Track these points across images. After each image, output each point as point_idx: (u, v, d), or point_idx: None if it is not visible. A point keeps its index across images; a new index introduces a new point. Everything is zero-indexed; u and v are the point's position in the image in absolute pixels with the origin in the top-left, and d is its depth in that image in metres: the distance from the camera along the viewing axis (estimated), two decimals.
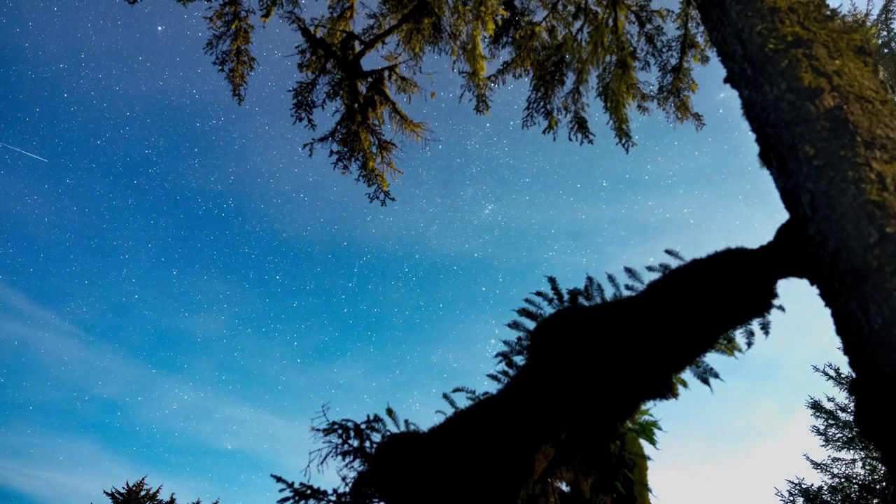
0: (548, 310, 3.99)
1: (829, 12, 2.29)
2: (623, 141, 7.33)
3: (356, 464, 3.01)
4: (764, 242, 2.37)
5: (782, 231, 2.25)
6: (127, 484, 17.72)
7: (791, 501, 13.43)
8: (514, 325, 4.05)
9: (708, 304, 2.45)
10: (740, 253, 2.43)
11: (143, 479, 17.88)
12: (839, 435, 13.42)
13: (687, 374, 3.38)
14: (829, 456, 13.46)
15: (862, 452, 13.02)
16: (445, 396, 3.92)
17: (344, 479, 2.96)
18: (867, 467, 12.92)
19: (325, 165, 7.30)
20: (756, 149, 2.32)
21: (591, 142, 7.41)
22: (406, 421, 3.28)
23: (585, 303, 3.84)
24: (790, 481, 13.54)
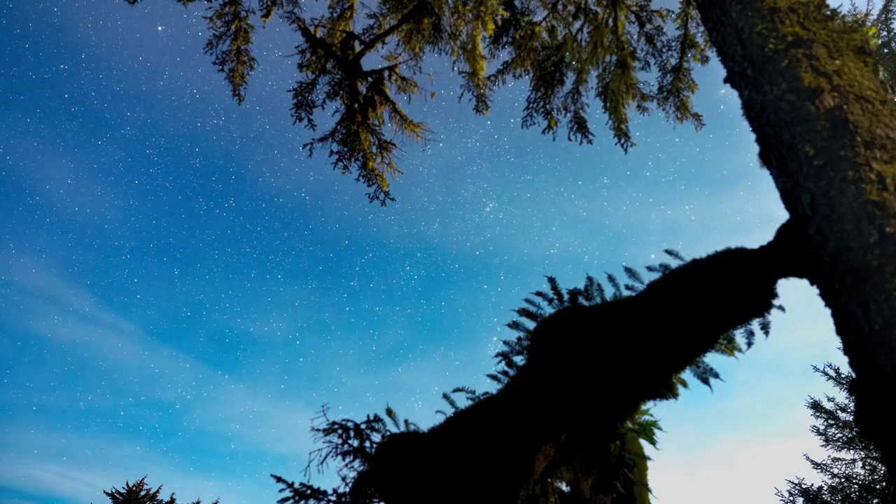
0: (548, 310, 3.99)
1: (829, 12, 2.28)
2: (622, 141, 7.33)
3: (356, 464, 3.01)
4: (764, 239, 2.37)
5: (782, 231, 2.25)
6: (127, 484, 17.72)
7: (791, 501, 13.43)
8: (514, 325, 4.05)
9: (708, 305, 2.45)
10: (740, 253, 2.43)
11: (143, 478, 17.89)
12: (839, 435, 13.42)
13: (687, 374, 3.38)
14: (829, 456, 13.46)
15: (862, 452, 13.01)
16: (445, 396, 3.92)
17: (344, 479, 2.96)
18: (867, 467, 12.91)
19: (326, 165, 7.30)
20: (756, 148, 2.32)
21: (590, 142, 7.41)
22: (406, 421, 3.28)
23: (585, 303, 3.84)
24: (790, 481, 13.54)
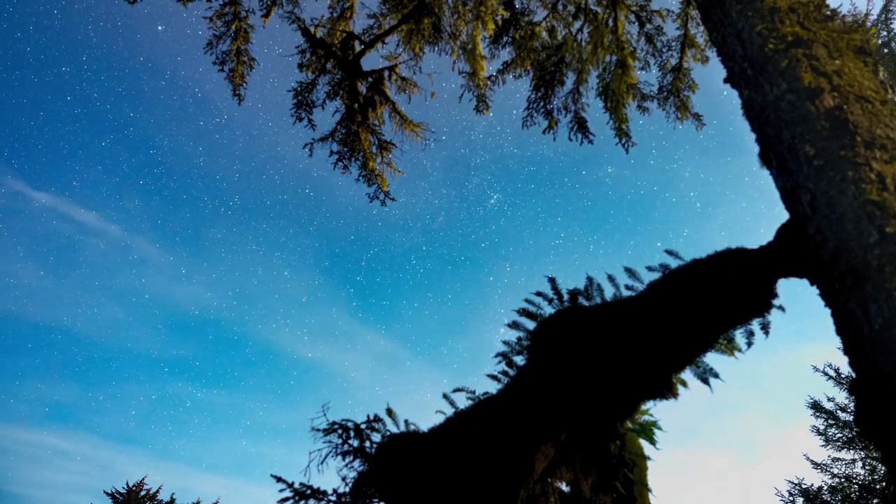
0: (548, 310, 3.99)
1: (829, 12, 2.28)
2: (623, 141, 7.33)
3: (356, 464, 3.01)
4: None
5: (782, 231, 2.25)
6: (127, 484, 17.72)
7: (791, 501, 13.43)
8: (514, 325, 4.05)
9: (708, 304, 2.45)
10: (740, 253, 2.43)
11: (143, 478, 17.89)
12: (839, 435, 13.41)
13: (687, 374, 3.38)
14: (829, 456, 13.46)
15: (862, 452, 13.01)
16: (445, 396, 3.92)
17: (344, 479, 2.96)
18: (867, 467, 12.91)
19: (329, 162, 7.30)
20: (757, 148, 2.32)
21: (591, 142, 7.41)
22: (406, 421, 3.28)
23: (585, 303, 3.84)
24: (790, 481, 13.54)
